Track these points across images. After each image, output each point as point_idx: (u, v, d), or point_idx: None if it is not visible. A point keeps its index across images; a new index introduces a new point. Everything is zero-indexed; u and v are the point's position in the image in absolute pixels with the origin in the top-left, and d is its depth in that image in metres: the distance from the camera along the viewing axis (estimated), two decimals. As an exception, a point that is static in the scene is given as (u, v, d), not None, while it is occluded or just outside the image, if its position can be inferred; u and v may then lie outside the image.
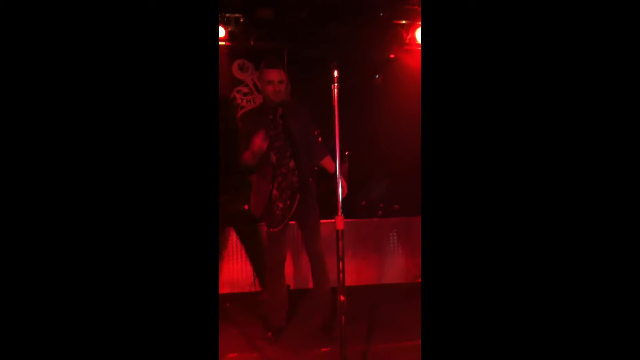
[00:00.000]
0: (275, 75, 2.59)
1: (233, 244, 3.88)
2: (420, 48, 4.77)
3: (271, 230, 2.65)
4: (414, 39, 4.75)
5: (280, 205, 2.61)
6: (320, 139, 2.88)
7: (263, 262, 3.50)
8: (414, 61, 4.91)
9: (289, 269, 3.77)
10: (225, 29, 4.48)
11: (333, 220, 1.90)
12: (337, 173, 1.92)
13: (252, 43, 4.61)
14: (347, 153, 4.56)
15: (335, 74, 1.90)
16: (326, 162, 2.78)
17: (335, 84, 1.90)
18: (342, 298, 1.86)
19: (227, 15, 4.41)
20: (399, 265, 4.14)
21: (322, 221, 2.74)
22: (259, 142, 2.37)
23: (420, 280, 4.09)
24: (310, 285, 2.86)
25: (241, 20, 4.47)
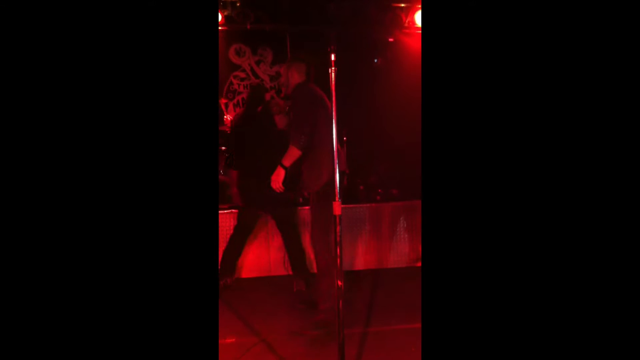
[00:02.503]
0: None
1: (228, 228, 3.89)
2: (419, 31, 4.73)
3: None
4: (413, 22, 4.70)
5: None
6: (296, 128, 2.61)
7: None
8: (413, 44, 4.87)
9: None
10: (222, 13, 4.43)
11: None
12: (335, 159, 1.90)
13: (248, 27, 4.56)
14: (345, 139, 4.54)
15: (333, 57, 1.87)
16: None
17: (333, 68, 1.87)
18: (339, 283, 1.87)
19: (224, -1, 4.36)
20: (397, 249, 4.16)
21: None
22: None
23: (418, 264, 4.11)
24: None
25: (238, 4, 4.42)
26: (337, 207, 1.87)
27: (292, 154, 2.60)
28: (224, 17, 4.47)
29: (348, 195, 3.91)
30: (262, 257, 3.70)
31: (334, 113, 1.87)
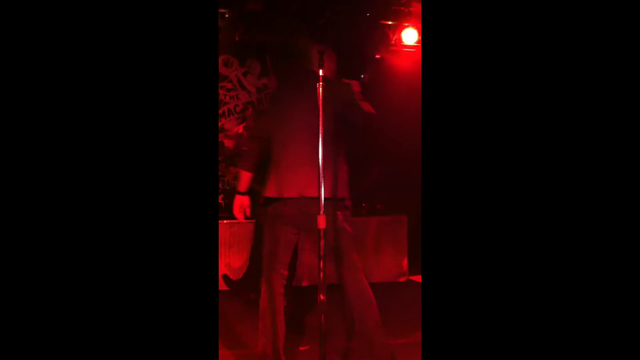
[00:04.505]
0: None
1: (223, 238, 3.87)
2: (406, 49, 4.82)
3: None
4: (400, 39, 4.78)
5: None
6: None
7: None
8: (399, 62, 4.94)
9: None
10: (211, 23, 4.44)
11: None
12: (320, 171, 1.91)
13: (237, 39, 4.58)
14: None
15: (321, 72, 1.89)
16: None
17: (320, 83, 1.88)
18: (322, 297, 1.86)
19: (213, 10, 4.37)
20: (382, 265, 4.16)
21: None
22: None
23: (402, 279, 4.13)
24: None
25: (226, 15, 4.44)
26: (322, 221, 1.88)
27: None
28: (213, 28, 4.48)
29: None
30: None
31: (320, 128, 1.88)
